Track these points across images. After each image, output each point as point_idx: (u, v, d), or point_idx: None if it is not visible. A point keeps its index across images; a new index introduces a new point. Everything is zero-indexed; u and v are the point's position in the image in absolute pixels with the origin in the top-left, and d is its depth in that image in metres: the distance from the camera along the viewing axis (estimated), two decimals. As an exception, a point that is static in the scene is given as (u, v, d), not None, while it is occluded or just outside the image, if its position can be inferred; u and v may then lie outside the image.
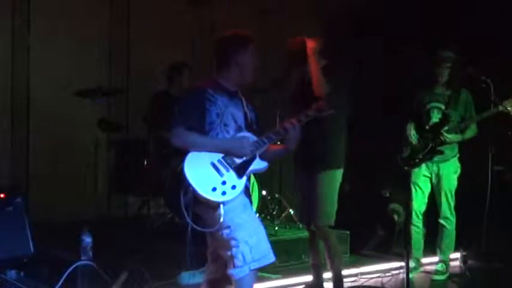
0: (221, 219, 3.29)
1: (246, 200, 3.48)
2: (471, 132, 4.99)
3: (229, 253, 3.33)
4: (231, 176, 3.36)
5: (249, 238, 3.32)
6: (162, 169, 5.83)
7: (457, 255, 5.44)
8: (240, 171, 3.40)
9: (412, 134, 5.05)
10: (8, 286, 4.27)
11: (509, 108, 4.79)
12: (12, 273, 4.41)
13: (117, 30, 6.98)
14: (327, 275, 4.57)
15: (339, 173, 4.38)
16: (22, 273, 4.45)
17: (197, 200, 3.29)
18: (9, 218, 4.49)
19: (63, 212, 6.00)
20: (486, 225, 5.08)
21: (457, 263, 5.44)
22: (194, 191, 3.26)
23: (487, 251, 5.39)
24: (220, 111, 3.43)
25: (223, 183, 3.32)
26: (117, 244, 5.19)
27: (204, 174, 3.31)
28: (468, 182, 5.48)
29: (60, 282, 4.13)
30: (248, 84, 3.57)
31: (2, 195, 4.52)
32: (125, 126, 6.51)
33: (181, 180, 3.29)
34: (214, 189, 3.28)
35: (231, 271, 3.34)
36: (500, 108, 4.79)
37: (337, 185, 4.38)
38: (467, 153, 5.22)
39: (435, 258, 5.32)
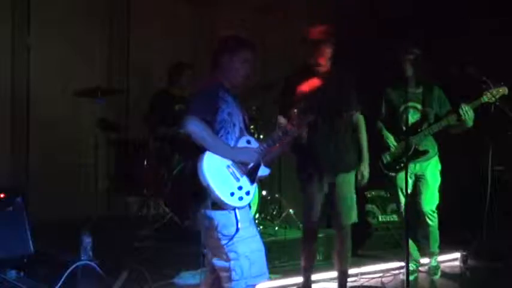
0: (240, 225, 3.26)
1: (251, 214, 3.47)
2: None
3: (227, 265, 3.30)
4: (245, 181, 3.33)
5: (250, 253, 3.29)
6: (162, 168, 5.85)
7: (457, 255, 5.44)
8: (251, 176, 3.37)
9: (392, 144, 5.00)
10: (8, 286, 4.27)
11: (495, 95, 4.68)
12: (12, 273, 4.41)
13: (117, 30, 6.98)
14: (323, 275, 4.59)
15: None
16: (22, 273, 4.45)
17: (214, 203, 3.24)
18: (9, 218, 4.50)
19: (63, 212, 5.99)
20: (486, 225, 5.07)
21: (457, 263, 5.44)
22: (214, 195, 3.21)
23: (487, 251, 5.38)
24: (231, 111, 3.40)
25: (240, 188, 3.29)
26: (117, 244, 5.18)
27: (223, 178, 3.25)
28: (468, 182, 5.48)
29: (60, 282, 4.13)
30: (236, 88, 3.51)
31: (2, 195, 4.52)
32: (124, 126, 6.51)
33: (198, 182, 3.21)
34: (232, 194, 3.25)
35: (226, 284, 3.31)
36: (486, 98, 4.70)
37: None
38: (468, 153, 5.21)
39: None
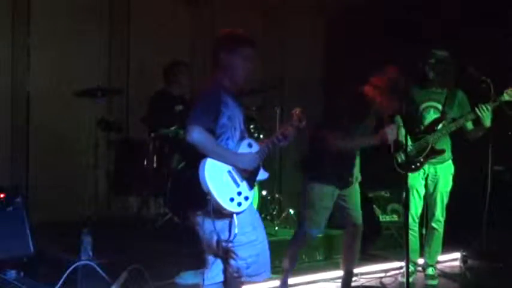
0: (236, 230, 3.27)
1: (257, 217, 3.48)
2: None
3: (229, 260, 3.36)
4: (244, 187, 3.32)
5: (249, 257, 3.34)
6: (162, 168, 5.85)
7: (457, 255, 5.45)
8: (250, 181, 3.37)
9: (409, 143, 4.93)
10: (8, 286, 4.27)
11: (507, 98, 4.73)
12: (12, 273, 4.40)
13: (117, 30, 6.98)
14: (323, 275, 4.60)
15: None
16: (22, 273, 4.45)
17: (214, 208, 3.23)
18: (9, 218, 4.49)
19: (63, 212, 5.99)
20: (486, 225, 5.07)
21: (457, 263, 5.44)
22: (214, 201, 3.20)
23: (487, 251, 5.39)
24: (231, 114, 3.36)
25: (239, 193, 3.29)
26: (117, 244, 5.18)
27: (223, 183, 3.25)
28: (468, 182, 5.48)
29: (60, 282, 4.13)
30: (239, 87, 3.48)
31: (2, 195, 4.52)
32: (124, 126, 6.51)
33: (199, 187, 3.21)
34: (232, 199, 3.25)
35: (230, 270, 3.38)
36: (507, 96, 4.71)
37: None
38: (467, 153, 5.20)
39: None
